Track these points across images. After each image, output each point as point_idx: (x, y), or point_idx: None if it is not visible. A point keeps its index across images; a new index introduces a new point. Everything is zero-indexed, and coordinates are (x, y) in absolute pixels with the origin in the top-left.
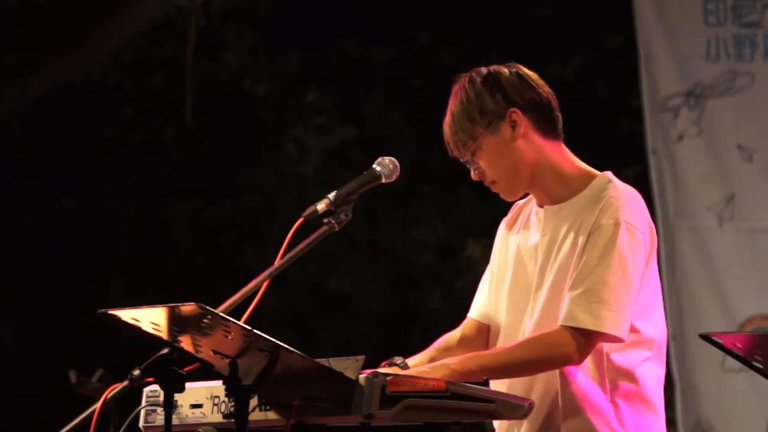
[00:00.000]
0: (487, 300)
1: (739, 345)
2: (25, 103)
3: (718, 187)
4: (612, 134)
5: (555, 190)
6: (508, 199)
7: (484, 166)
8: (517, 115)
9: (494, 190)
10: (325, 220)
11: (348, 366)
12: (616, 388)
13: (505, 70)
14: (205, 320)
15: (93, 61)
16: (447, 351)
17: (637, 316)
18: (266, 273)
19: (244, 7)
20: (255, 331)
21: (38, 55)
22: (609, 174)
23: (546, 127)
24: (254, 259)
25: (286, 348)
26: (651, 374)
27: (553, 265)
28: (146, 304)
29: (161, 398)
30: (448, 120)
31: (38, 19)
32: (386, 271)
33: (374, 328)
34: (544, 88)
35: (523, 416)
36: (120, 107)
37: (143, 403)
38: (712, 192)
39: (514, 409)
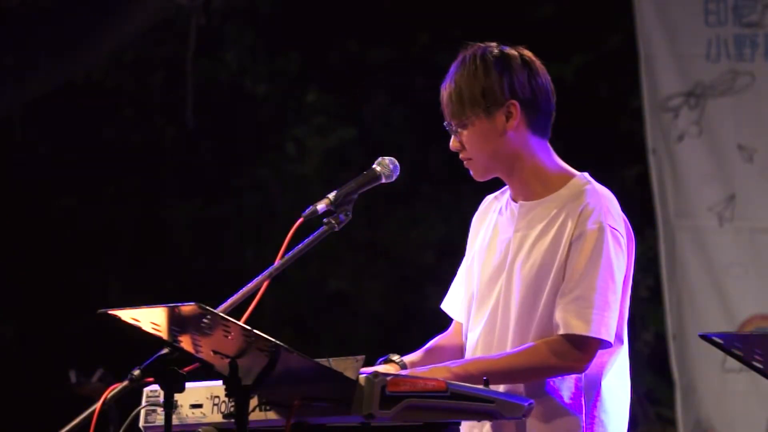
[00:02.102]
0: (462, 298)
1: (738, 345)
2: (25, 102)
3: (719, 187)
4: (612, 134)
5: (532, 186)
6: (478, 179)
7: (467, 142)
8: (515, 108)
9: (467, 165)
10: (325, 220)
11: (348, 366)
12: (588, 395)
13: (518, 58)
14: (205, 320)
15: (93, 61)
16: (438, 352)
17: (620, 320)
18: (266, 273)
19: (244, 7)
20: (255, 331)
21: (38, 55)
22: (587, 175)
23: (537, 125)
24: (254, 259)
25: (286, 348)
26: (619, 381)
27: (526, 261)
28: (146, 304)
29: (161, 398)
30: (449, 85)
31: (38, 19)
32: (386, 271)
33: (374, 328)
34: (548, 86)
35: (524, 416)
36: (120, 107)
37: (143, 403)
38: (712, 192)
39: (514, 408)
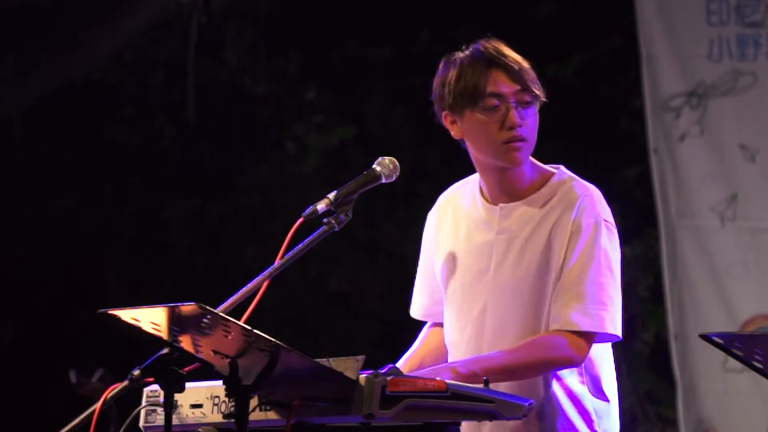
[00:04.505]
0: (431, 300)
1: (739, 345)
2: (25, 102)
3: (721, 187)
4: (613, 134)
5: (516, 186)
6: (515, 165)
7: (530, 121)
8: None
9: (516, 149)
10: (325, 220)
11: (348, 366)
12: (591, 384)
13: None
14: (205, 320)
15: (93, 61)
16: (434, 352)
17: None
18: (266, 273)
19: (244, 6)
20: (255, 331)
21: (38, 55)
22: (563, 169)
23: None
24: (254, 259)
25: (286, 348)
26: (610, 365)
27: (519, 263)
28: (146, 304)
29: (161, 398)
30: (522, 59)
31: (38, 19)
32: (386, 271)
33: (374, 328)
34: None
35: (523, 416)
36: (120, 107)
37: (143, 403)
38: (714, 192)
39: (514, 408)
